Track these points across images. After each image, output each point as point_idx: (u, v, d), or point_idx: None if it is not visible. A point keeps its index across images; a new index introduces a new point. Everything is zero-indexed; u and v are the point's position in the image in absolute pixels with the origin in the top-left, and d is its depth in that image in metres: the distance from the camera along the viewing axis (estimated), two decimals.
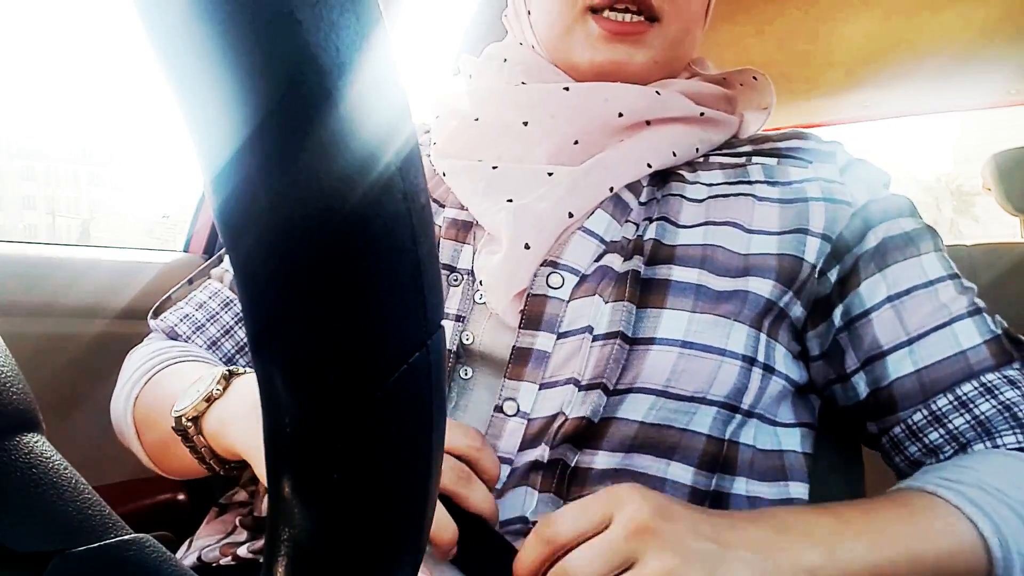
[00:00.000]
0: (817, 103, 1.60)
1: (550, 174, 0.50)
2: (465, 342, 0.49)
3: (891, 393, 0.49)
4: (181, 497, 0.98)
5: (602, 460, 0.45)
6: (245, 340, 0.58)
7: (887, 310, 0.50)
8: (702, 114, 0.55)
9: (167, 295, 0.65)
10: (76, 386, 0.87)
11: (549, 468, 0.44)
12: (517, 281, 0.47)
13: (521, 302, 0.48)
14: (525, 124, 0.52)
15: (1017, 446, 0.46)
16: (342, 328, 0.15)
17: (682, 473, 0.46)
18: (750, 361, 0.46)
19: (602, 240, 0.50)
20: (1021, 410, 0.46)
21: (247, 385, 0.47)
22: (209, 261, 0.67)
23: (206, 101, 0.13)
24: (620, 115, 0.52)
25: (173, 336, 0.62)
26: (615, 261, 0.48)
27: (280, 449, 0.16)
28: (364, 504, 0.16)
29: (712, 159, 0.56)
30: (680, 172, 0.53)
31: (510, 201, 0.49)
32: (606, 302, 0.47)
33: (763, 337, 0.47)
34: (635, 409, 0.45)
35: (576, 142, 0.52)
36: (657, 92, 0.53)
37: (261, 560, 0.46)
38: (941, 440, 0.48)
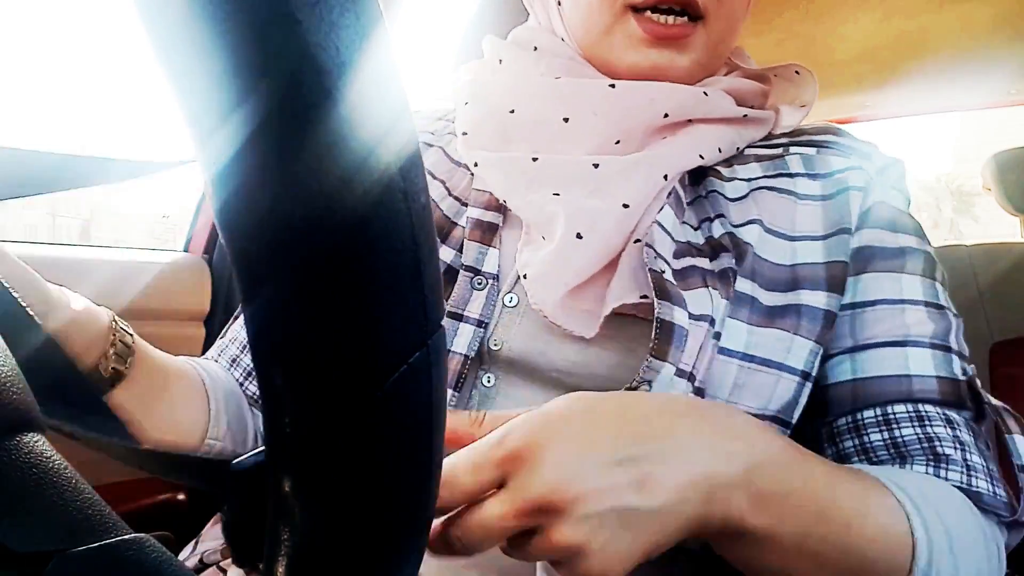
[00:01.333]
0: (817, 103, 1.60)
1: (595, 165, 0.48)
2: (493, 348, 0.47)
3: (826, 396, 0.47)
4: (181, 497, 0.98)
5: None
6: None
7: (846, 316, 0.48)
8: (745, 116, 0.53)
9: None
10: None
11: None
12: (572, 274, 0.44)
13: (633, 279, 0.44)
14: (566, 120, 0.50)
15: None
16: (342, 328, 0.15)
17: None
18: (806, 376, 0.45)
19: (672, 239, 0.47)
20: (943, 447, 0.43)
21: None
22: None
23: (206, 101, 0.13)
24: (665, 115, 0.50)
25: None
26: (703, 262, 0.46)
27: (280, 449, 0.16)
28: (364, 504, 0.16)
29: (747, 152, 0.54)
30: (717, 168, 0.52)
31: (557, 195, 0.47)
32: (722, 298, 0.45)
33: (819, 349, 0.46)
34: None
35: (618, 142, 0.50)
36: (705, 93, 0.51)
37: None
38: (852, 450, 0.46)
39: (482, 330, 0.47)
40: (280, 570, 0.17)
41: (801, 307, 0.45)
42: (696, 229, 0.49)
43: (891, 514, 0.38)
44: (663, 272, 0.44)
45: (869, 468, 0.42)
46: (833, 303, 0.46)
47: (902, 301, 0.47)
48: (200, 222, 1.10)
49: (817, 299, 0.46)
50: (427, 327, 0.16)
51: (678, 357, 0.42)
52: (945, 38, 1.31)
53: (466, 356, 0.46)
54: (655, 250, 0.45)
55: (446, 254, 0.50)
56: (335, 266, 0.14)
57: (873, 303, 0.47)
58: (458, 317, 0.47)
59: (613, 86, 0.50)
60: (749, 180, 0.51)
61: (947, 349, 0.46)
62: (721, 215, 0.49)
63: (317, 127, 0.13)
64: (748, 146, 0.55)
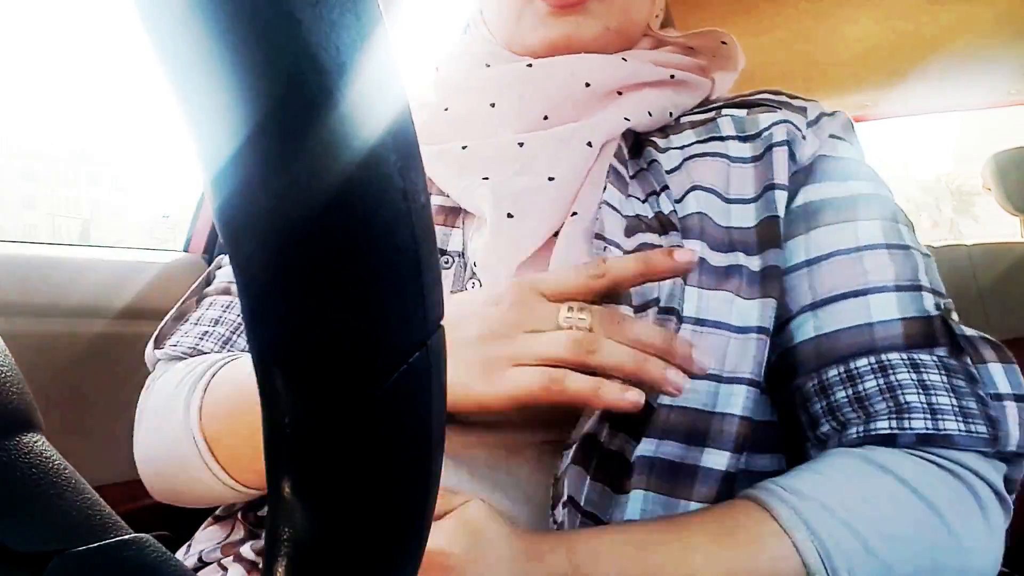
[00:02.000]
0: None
1: (520, 144, 0.49)
2: None
3: (792, 358, 0.46)
4: None
5: (641, 448, 0.42)
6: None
7: (803, 273, 0.47)
8: (672, 76, 0.53)
9: (159, 328, 0.60)
10: (76, 386, 0.87)
11: (607, 456, 0.42)
12: (511, 254, 0.45)
13: (570, 259, 0.45)
14: (492, 106, 0.52)
15: (888, 431, 0.42)
16: (342, 328, 0.15)
17: (715, 459, 0.43)
18: (761, 331, 0.44)
19: (621, 214, 0.48)
20: (906, 395, 0.42)
21: (216, 407, 0.46)
22: (192, 289, 0.62)
23: (206, 101, 0.13)
24: (587, 85, 0.51)
25: (196, 354, 0.58)
26: (652, 238, 0.46)
27: (280, 449, 0.16)
28: (364, 504, 0.16)
29: (683, 120, 0.55)
30: (653, 139, 0.52)
31: (486, 179, 0.48)
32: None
33: (770, 303, 0.45)
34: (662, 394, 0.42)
35: (546, 117, 0.51)
36: (623, 59, 0.52)
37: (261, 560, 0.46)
38: (820, 412, 0.45)
39: None
40: (280, 570, 0.17)
41: (743, 268, 0.45)
42: (644, 202, 0.49)
43: (777, 544, 0.37)
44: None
45: (755, 489, 0.41)
46: (770, 258, 0.46)
47: (859, 249, 0.46)
48: (200, 222, 1.10)
49: (752, 263, 0.46)
50: (427, 327, 0.16)
51: None
52: (945, 38, 1.31)
53: None
54: (604, 239, 0.45)
55: None
56: (335, 266, 0.14)
57: (828, 256, 0.47)
58: None
59: (531, 65, 0.51)
60: (683, 148, 0.51)
61: (915, 288, 0.45)
62: (666, 187, 0.49)
63: (317, 127, 0.13)
64: (683, 114, 0.55)
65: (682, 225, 0.47)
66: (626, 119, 0.51)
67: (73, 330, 0.88)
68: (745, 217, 0.47)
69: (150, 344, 0.58)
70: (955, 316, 0.45)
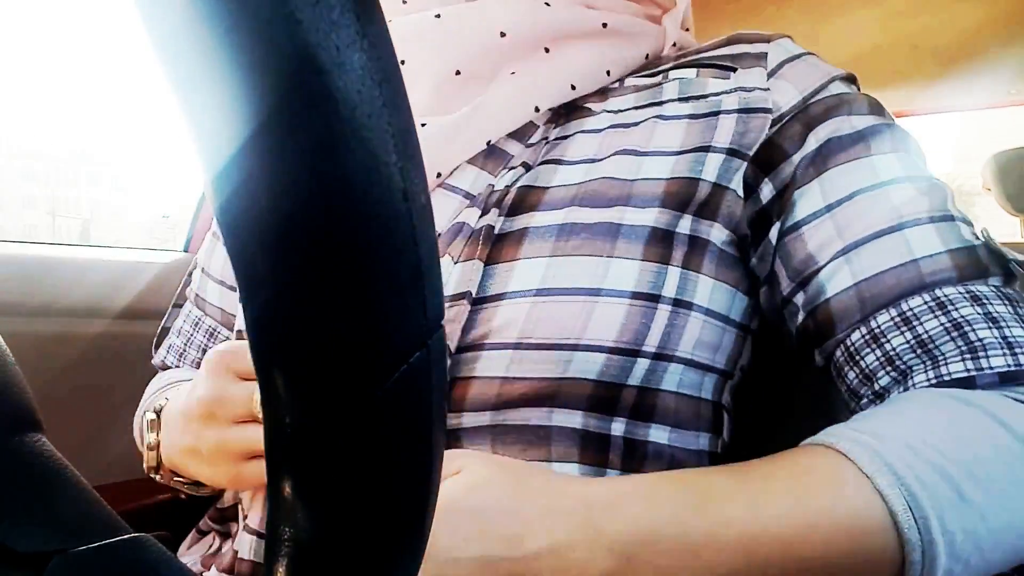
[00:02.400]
0: None
1: (423, 125, 0.44)
2: None
3: (828, 312, 0.42)
4: (181, 497, 0.98)
5: (470, 420, 0.40)
6: None
7: (824, 220, 0.42)
8: (605, 25, 0.47)
9: (161, 326, 0.64)
10: (76, 386, 0.87)
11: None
12: None
13: None
14: (403, 63, 0.46)
15: (964, 374, 0.37)
16: (342, 328, 0.15)
17: (567, 419, 0.40)
18: (651, 299, 0.40)
19: (467, 195, 0.44)
20: (976, 331, 0.37)
21: (171, 415, 0.46)
22: (184, 279, 0.65)
23: (206, 101, 0.13)
24: (503, 35, 0.45)
25: (166, 368, 0.61)
26: (471, 216, 0.43)
27: (280, 449, 0.16)
28: (365, 504, 0.16)
29: (627, 82, 0.49)
30: (587, 105, 0.47)
31: None
32: (455, 262, 0.41)
33: (673, 270, 0.41)
34: (491, 367, 0.39)
35: (458, 72, 0.45)
36: (546, 3, 0.46)
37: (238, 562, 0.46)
38: (876, 363, 0.40)
39: None
40: (280, 570, 0.17)
41: (621, 226, 0.41)
42: (506, 171, 0.45)
43: (856, 491, 0.32)
44: None
45: (821, 436, 0.36)
46: (668, 220, 0.42)
47: (882, 184, 0.42)
48: (200, 222, 1.10)
49: (641, 217, 0.41)
50: (427, 327, 0.16)
51: None
52: (945, 39, 1.31)
53: None
54: None
55: None
56: (335, 266, 0.14)
57: (850, 196, 0.42)
58: None
59: (438, 16, 0.46)
60: (616, 112, 0.46)
61: (949, 218, 0.41)
62: (548, 160, 0.44)
63: (317, 127, 0.13)
64: (631, 73, 0.49)
65: (548, 196, 0.42)
66: (536, 108, 0.45)
67: (73, 330, 0.88)
68: (659, 169, 0.43)
69: (153, 344, 0.62)
70: (996, 241, 0.41)
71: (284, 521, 0.16)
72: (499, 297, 0.40)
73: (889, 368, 0.40)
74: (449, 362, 0.39)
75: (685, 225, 0.42)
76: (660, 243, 0.41)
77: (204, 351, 0.58)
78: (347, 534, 0.16)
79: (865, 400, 0.42)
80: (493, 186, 0.44)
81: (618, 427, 0.41)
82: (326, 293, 0.14)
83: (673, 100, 0.46)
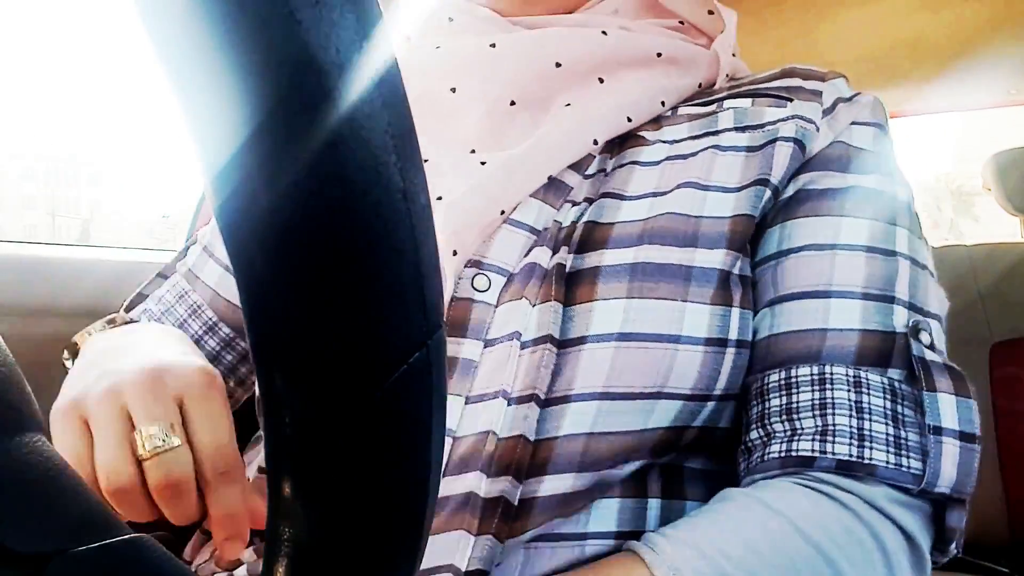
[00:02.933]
0: None
1: (483, 163, 0.43)
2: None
3: (749, 357, 0.43)
4: None
5: (549, 486, 0.39)
6: (197, 334, 0.56)
7: (769, 267, 0.43)
8: (659, 55, 0.47)
9: (137, 291, 0.61)
10: None
11: (489, 506, 0.38)
12: (448, 288, 0.42)
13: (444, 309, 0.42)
14: (453, 91, 0.46)
15: (809, 454, 0.38)
16: (342, 328, 0.15)
17: (632, 466, 0.40)
18: (720, 343, 0.40)
19: (532, 230, 0.43)
20: (837, 415, 0.38)
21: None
22: (177, 254, 0.63)
23: (206, 101, 0.13)
24: (558, 64, 0.45)
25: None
26: (543, 256, 0.42)
27: (280, 449, 0.16)
28: (364, 504, 0.16)
29: (681, 111, 0.48)
30: (641, 134, 0.47)
31: (440, 199, 0.43)
32: (533, 304, 0.40)
33: (734, 311, 0.41)
34: (579, 422, 0.39)
35: (513, 103, 0.45)
36: (603, 32, 0.46)
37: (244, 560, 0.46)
38: (754, 417, 0.42)
39: None
40: (280, 570, 0.17)
41: (693, 269, 0.41)
42: (577, 207, 0.44)
43: None
44: (484, 291, 0.41)
45: (641, 540, 0.37)
46: (730, 261, 0.42)
47: (834, 246, 0.42)
48: (200, 222, 1.10)
49: (712, 258, 0.41)
50: (427, 327, 0.16)
51: (463, 387, 0.40)
52: (945, 38, 1.31)
53: None
54: (480, 264, 0.42)
55: None
56: (335, 266, 0.14)
57: (799, 249, 0.43)
58: None
59: (494, 45, 0.46)
60: (672, 143, 0.46)
61: (886, 299, 0.41)
62: (609, 193, 0.44)
63: (317, 127, 0.13)
64: (683, 102, 0.49)
65: (615, 233, 0.42)
66: (595, 141, 0.45)
67: (73, 330, 0.88)
68: (722, 206, 0.43)
69: (124, 307, 0.58)
70: (927, 337, 0.40)
71: (284, 521, 0.16)
72: (581, 340, 0.40)
73: (760, 425, 0.41)
74: (538, 413, 0.39)
75: (739, 265, 0.43)
76: (723, 285, 0.41)
77: (181, 325, 0.55)
78: (346, 534, 0.16)
79: (741, 446, 0.43)
80: (560, 223, 0.44)
81: (664, 459, 0.42)
82: (325, 293, 0.14)
83: (729, 130, 0.46)
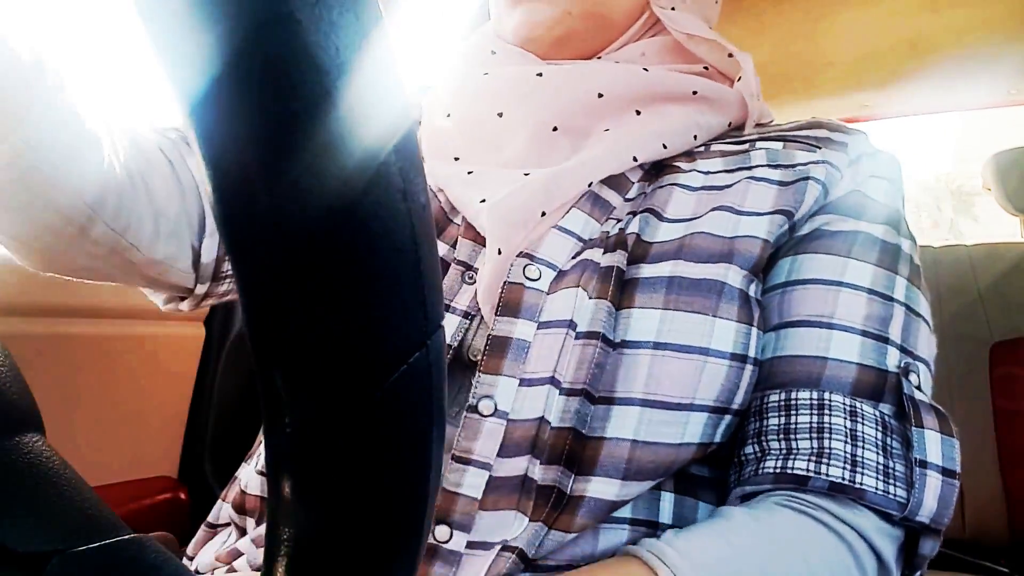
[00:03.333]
0: (816, 103, 1.60)
1: (526, 174, 0.47)
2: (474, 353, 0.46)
3: None
4: (181, 497, 0.98)
5: (595, 488, 0.41)
6: None
7: (777, 295, 0.46)
8: (695, 92, 0.51)
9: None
10: (76, 386, 0.87)
11: (543, 493, 0.40)
12: (495, 280, 0.44)
13: (496, 294, 0.44)
14: (500, 115, 0.49)
15: (803, 473, 0.41)
16: (342, 328, 0.15)
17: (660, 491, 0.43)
18: (741, 359, 0.43)
19: (579, 238, 0.47)
20: (833, 439, 0.41)
21: None
22: None
23: (206, 102, 0.13)
24: (600, 95, 0.49)
25: None
26: (596, 255, 0.45)
27: (280, 449, 0.16)
28: (364, 504, 0.16)
29: (713, 147, 0.52)
30: (676, 164, 0.50)
31: (483, 201, 0.46)
32: (590, 297, 0.43)
33: (754, 331, 0.44)
34: (624, 425, 0.41)
35: (555, 128, 0.49)
36: (644, 68, 0.50)
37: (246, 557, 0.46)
38: (751, 432, 0.44)
39: (467, 321, 0.46)
40: (280, 570, 0.17)
41: (725, 285, 0.43)
42: (620, 223, 0.47)
43: None
44: (536, 280, 0.44)
45: (641, 544, 0.39)
46: (745, 282, 0.44)
47: (840, 283, 0.45)
48: None
49: (738, 277, 0.44)
50: (427, 327, 0.16)
51: (516, 368, 0.42)
52: (945, 38, 1.31)
53: (449, 346, 0.45)
54: (534, 257, 0.44)
55: (440, 248, 0.50)
56: (335, 266, 0.14)
57: (806, 281, 0.46)
58: (445, 307, 0.47)
59: (541, 74, 0.49)
60: (707, 173, 0.49)
61: (881, 339, 0.44)
62: (650, 209, 0.47)
63: (317, 127, 0.13)
64: (715, 140, 0.53)
65: (654, 251, 0.45)
66: (635, 158, 0.48)
67: (73, 330, 0.88)
68: (756, 227, 0.46)
69: None
70: (915, 379, 0.44)
71: (284, 521, 0.16)
72: (622, 344, 0.42)
73: (756, 441, 0.44)
74: (592, 411, 0.41)
75: (753, 288, 0.45)
76: (745, 304, 0.44)
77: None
78: (347, 534, 0.16)
79: (734, 459, 0.45)
80: (608, 232, 0.47)
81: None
82: (325, 293, 0.14)
83: (763, 166, 0.49)
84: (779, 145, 0.51)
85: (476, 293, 0.46)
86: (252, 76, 0.13)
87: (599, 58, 0.53)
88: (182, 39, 0.13)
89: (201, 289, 0.54)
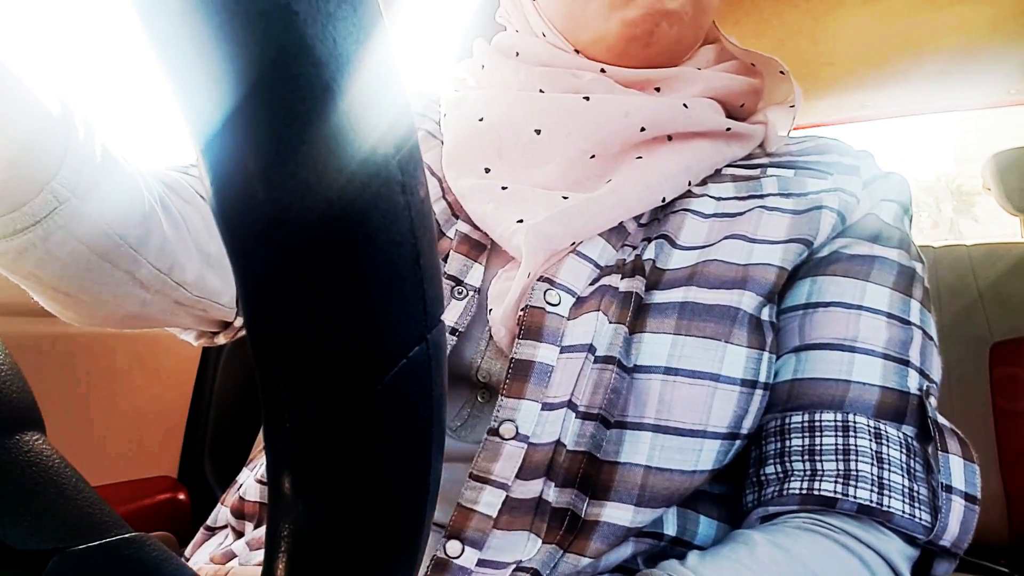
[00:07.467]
0: (817, 103, 1.60)
1: (565, 198, 0.47)
2: (480, 369, 0.46)
3: (768, 398, 0.46)
4: (181, 497, 0.98)
5: (609, 513, 0.41)
6: None
7: (797, 316, 0.47)
8: (728, 129, 0.52)
9: None
10: (76, 386, 0.87)
11: (557, 516, 0.41)
12: (517, 303, 0.44)
13: (515, 317, 0.44)
14: (538, 132, 0.49)
15: (831, 495, 0.41)
16: (341, 323, 0.15)
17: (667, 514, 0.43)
18: (751, 385, 0.43)
19: (596, 264, 0.47)
20: (860, 461, 0.41)
21: None
22: None
23: (203, 94, 0.13)
24: (643, 129, 0.49)
25: None
26: (614, 280, 0.45)
27: (280, 446, 0.16)
28: (364, 500, 0.16)
29: (724, 171, 0.53)
30: (688, 188, 0.51)
31: (520, 222, 0.46)
32: (610, 322, 0.43)
33: (766, 355, 0.44)
34: (637, 451, 0.41)
35: (593, 156, 0.49)
36: (685, 105, 0.50)
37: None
38: (772, 452, 0.44)
39: (454, 338, 0.46)
40: (280, 568, 0.17)
41: (739, 311, 0.44)
42: (635, 249, 0.48)
43: None
44: (556, 305, 0.44)
45: (660, 568, 0.39)
46: (757, 306, 0.45)
47: (860, 307, 0.46)
48: None
49: (752, 303, 0.44)
50: (426, 321, 0.16)
51: (539, 393, 0.42)
52: (945, 38, 1.31)
53: None
54: (553, 282, 0.45)
55: None
56: (334, 260, 0.14)
57: (827, 304, 0.46)
58: None
59: (587, 99, 0.49)
60: (719, 200, 0.50)
61: (903, 362, 0.44)
62: (664, 235, 0.48)
63: (315, 120, 0.13)
64: (728, 165, 0.53)
65: (667, 278, 0.45)
66: (664, 199, 0.49)
67: (73, 330, 0.88)
68: (769, 255, 0.46)
69: None
70: (934, 401, 0.44)
71: (284, 518, 0.16)
72: (635, 369, 0.42)
73: (778, 461, 0.44)
74: (606, 435, 0.41)
75: (767, 312, 0.45)
76: (757, 329, 0.44)
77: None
78: (347, 531, 0.16)
79: (750, 479, 0.45)
80: (624, 259, 0.47)
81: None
82: (324, 287, 0.14)
83: (774, 194, 0.50)
84: (790, 173, 0.52)
85: (465, 309, 0.46)
86: (249, 68, 0.13)
87: (679, 65, 0.53)
88: (178, 33, 0.13)
89: (240, 322, 0.54)
